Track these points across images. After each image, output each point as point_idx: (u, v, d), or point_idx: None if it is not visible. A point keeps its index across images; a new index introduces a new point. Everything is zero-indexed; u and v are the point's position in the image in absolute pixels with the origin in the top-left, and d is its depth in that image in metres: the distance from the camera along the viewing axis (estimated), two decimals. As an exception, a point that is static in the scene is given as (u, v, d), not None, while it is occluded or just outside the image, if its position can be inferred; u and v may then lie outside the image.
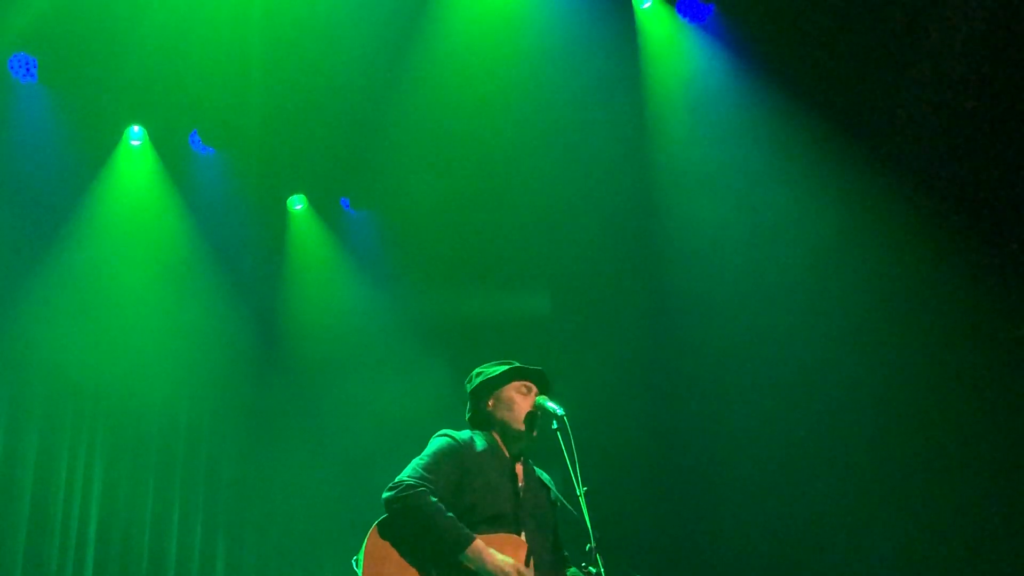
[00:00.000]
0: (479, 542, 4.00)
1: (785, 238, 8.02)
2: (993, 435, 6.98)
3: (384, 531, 4.04)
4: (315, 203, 9.43)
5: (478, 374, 4.60)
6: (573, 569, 4.33)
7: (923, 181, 7.50)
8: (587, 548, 3.98)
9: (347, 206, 9.63)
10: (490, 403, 4.51)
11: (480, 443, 4.37)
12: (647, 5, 8.39)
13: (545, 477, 4.57)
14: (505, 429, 4.44)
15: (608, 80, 8.32)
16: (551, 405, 4.29)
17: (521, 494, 4.32)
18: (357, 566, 3.98)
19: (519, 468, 4.42)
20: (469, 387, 4.59)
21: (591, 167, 8.51)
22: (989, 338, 7.13)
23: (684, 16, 8.35)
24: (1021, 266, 7.08)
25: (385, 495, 4.07)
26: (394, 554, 4.00)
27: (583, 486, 4.00)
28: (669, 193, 8.61)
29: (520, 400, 4.47)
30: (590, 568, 4.00)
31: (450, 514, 4.03)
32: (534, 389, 4.51)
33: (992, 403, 7.03)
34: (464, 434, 4.40)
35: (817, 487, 7.59)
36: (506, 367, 4.54)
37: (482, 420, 4.52)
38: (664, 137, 8.55)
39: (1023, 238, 7.07)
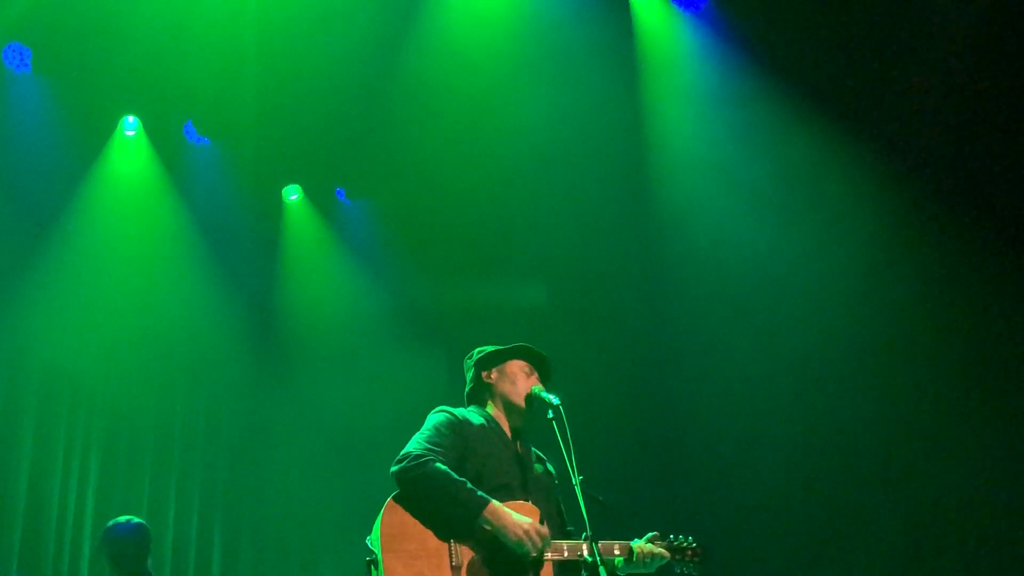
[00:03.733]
0: (495, 503, 3.96)
1: (782, 228, 8.02)
2: (993, 434, 6.99)
3: (398, 504, 3.98)
4: (310, 193, 9.42)
5: (480, 351, 4.59)
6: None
7: (923, 174, 7.50)
8: (583, 536, 4.00)
9: (342, 196, 9.62)
10: (493, 374, 4.51)
11: (477, 418, 4.37)
12: (642, -6, 8.40)
13: (543, 459, 4.56)
14: (506, 402, 4.44)
15: (603, 69, 8.31)
16: (547, 395, 4.27)
17: (524, 466, 4.33)
18: (372, 545, 3.91)
19: (518, 443, 4.42)
20: (470, 361, 4.58)
21: (586, 156, 8.51)
22: (990, 336, 7.14)
23: (679, 5, 8.34)
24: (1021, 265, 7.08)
25: (394, 468, 4.01)
26: (411, 525, 3.94)
27: (579, 475, 4.00)
28: (665, 182, 8.62)
29: (523, 378, 4.48)
30: (587, 558, 4.00)
31: (462, 479, 3.99)
32: (535, 374, 4.53)
33: (992, 402, 7.05)
34: (461, 410, 4.39)
35: (814, 476, 7.61)
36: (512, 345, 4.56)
37: (481, 392, 4.52)
38: (659, 126, 8.55)
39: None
